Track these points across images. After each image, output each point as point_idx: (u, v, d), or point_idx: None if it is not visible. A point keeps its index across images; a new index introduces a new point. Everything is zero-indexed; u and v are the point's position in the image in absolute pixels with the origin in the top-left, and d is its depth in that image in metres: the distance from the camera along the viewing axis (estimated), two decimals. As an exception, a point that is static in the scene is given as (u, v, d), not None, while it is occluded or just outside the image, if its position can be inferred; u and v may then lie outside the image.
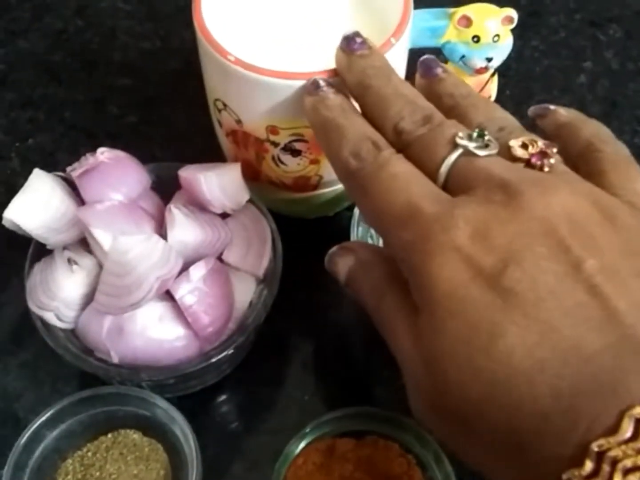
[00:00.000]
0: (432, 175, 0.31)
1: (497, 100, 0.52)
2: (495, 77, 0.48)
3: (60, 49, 0.63)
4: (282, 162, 0.44)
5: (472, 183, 0.29)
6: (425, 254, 0.28)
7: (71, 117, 0.59)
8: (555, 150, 0.30)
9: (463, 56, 0.44)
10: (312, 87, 0.36)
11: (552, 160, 0.30)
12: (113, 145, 0.45)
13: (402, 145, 0.32)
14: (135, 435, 0.43)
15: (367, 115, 0.35)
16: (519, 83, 0.59)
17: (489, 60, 0.44)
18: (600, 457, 0.22)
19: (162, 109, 0.59)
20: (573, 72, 0.61)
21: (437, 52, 0.46)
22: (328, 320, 0.49)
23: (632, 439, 0.22)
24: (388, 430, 0.41)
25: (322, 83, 0.36)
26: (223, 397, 0.46)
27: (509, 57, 0.46)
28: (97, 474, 0.41)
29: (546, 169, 0.29)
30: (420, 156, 0.31)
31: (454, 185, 0.30)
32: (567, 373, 0.24)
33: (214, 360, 0.40)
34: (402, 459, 0.41)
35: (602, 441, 0.22)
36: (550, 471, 0.23)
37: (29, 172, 0.43)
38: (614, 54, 0.62)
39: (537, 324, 0.25)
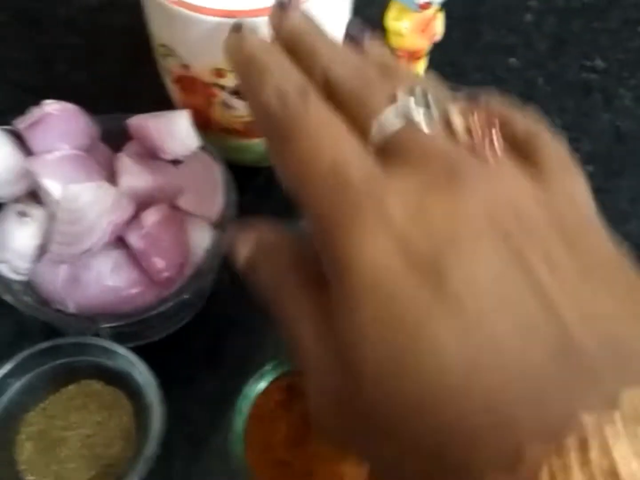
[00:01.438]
0: (363, 131, 0.27)
1: (445, 42, 0.52)
2: (442, 15, 0.49)
3: (5, 8, 0.61)
4: (231, 107, 0.44)
5: (410, 154, 0.26)
6: (349, 228, 0.24)
7: (18, 77, 0.58)
8: (497, 130, 0.27)
9: (408, -9, 0.44)
10: (235, 27, 0.32)
11: (497, 148, 0.26)
12: (61, 102, 0.45)
13: (331, 96, 0.28)
14: (97, 385, 0.43)
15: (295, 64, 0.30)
16: (465, 24, 0.59)
17: (433, -6, 0.44)
18: (536, 467, 0.20)
19: (110, 65, 0.58)
20: (519, 11, 0.61)
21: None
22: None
23: (578, 450, 0.20)
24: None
25: (245, 24, 0.32)
26: (183, 345, 0.46)
27: (454, -1, 0.46)
28: (61, 423, 0.41)
29: (490, 157, 0.26)
30: (351, 109, 0.28)
31: (388, 151, 0.26)
32: (505, 384, 0.21)
33: (170, 305, 0.40)
34: (362, 392, 0.41)
35: (539, 451, 0.20)
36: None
37: (-24, 132, 0.42)
38: (559, -9, 0.62)
39: (469, 316, 0.22)
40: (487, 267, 0.23)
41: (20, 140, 0.43)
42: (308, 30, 0.32)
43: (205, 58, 0.41)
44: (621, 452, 0.19)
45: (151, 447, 0.38)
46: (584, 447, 0.20)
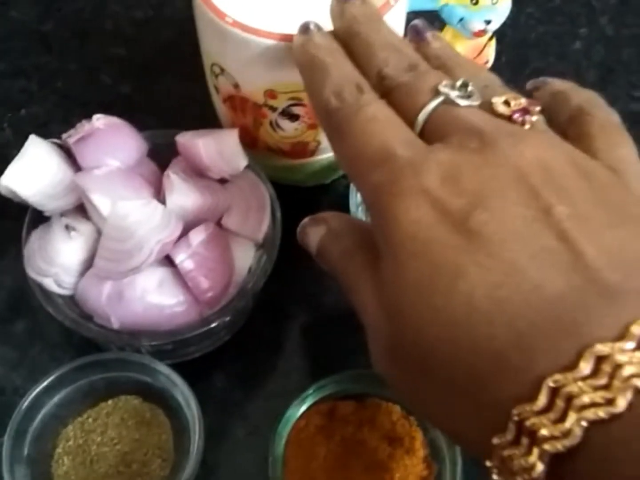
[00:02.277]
0: (411, 122, 0.30)
1: (493, 66, 0.52)
2: (493, 41, 0.48)
3: (52, 19, 0.62)
4: (280, 127, 0.44)
5: (449, 131, 0.29)
6: (393, 195, 0.27)
7: (64, 87, 0.58)
8: (538, 108, 0.29)
9: (462, 19, 0.44)
10: (303, 28, 0.36)
11: (533, 118, 0.29)
12: (106, 115, 0.45)
13: (385, 90, 0.32)
14: (135, 401, 0.43)
15: (354, 61, 0.34)
16: (515, 50, 0.59)
17: (488, 22, 0.44)
18: (554, 392, 0.22)
19: (155, 78, 0.58)
20: (568, 39, 0.61)
21: (436, 15, 0.46)
22: (326, 286, 0.48)
23: (591, 376, 0.22)
24: (389, 392, 0.41)
25: (312, 26, 0.36)
26: (222, 364, 0.46)
27: (505, 24, 0.46)
28: (99, 439, 0.41)
29: (527, 125, 0.29)
30: (401, 103, 0.31)
31: (431, 133, 0.30)
32: (528, 313, 0.23)
33: (213, 325, 0.40)
34: (403, 421, 0.41)
35: (558, 377, 0.22)
36: (503, 412, 0.23)
37: (22, 143, 0.42)
38: (608, 20, 0.62)
39: (500, 265, 0.24)
40: (511, 213, 0.25)
41: (67, 153, 0.43)
42: (366, 21, 0.35)
43: (258, 79, 0.41)
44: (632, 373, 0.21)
45: (191, 467, 0.38)
46: (597, 374, 0.22)
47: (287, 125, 0.44)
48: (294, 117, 0.43)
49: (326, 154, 0.47)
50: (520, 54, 0.59)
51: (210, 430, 0.40)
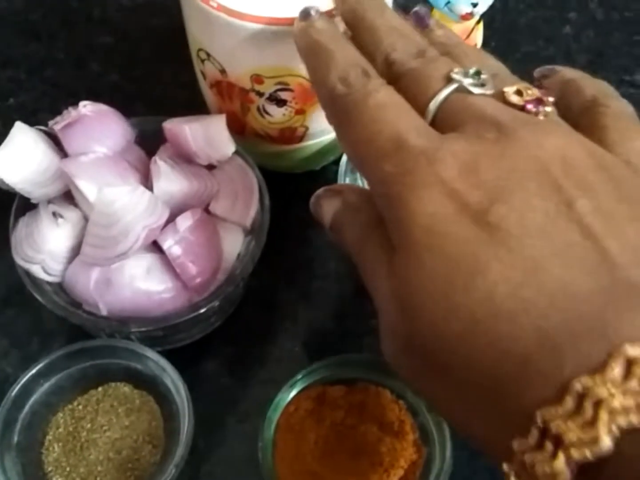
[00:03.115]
0: (421, 110, 0.29)
1: (482, 51, 0.52)
2: (481, 25, 0.48)
3: (39, 7, 0.61)
4: (267, 113, 0.44)
5: (463, 120, 0.28)
6: (407, 186, 0.26)
7: (52, 76, 0.58)
8: (551, 99, 0.29)
9: (448, 2, 0.44)
10: (303, 14, 0.35)
11: (547, 109, 0.28)
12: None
13: (393, 77, 0.31)
14: (125, 388, 0.43)
15: (358, 46, 0.33)
16: (504, 34, 0.59)
17: (475, 5, 0.44)
18: (582, 396, 0.21)
19: (143, 66, 0.58)
20: (558, 23, 0.61)
21: (423, -2, 0.45)
22: (315, 272, 0.48)
23: (621, 379, 0.20)
24: (379, 377, 0.41)
25: (313, 11, 0.35)
26: (212, 351, 0.46)
27: (494, 8, 0.46)
28: (89, 426, 0.41)
29: (541, 116, 0.28)
30: (411, 89, 0.30)
31: (443, 122, 0.29)
32: (553, 314, 0.22)
33: (202, 310, 0.40)
34: (393, 405, 0.41)
35: (586, 380, 0.21)
36: (525, 415, 0.22)
37: (11, 132, 0.42)
38: (598, 4, 0.62)
39: (523, 262, 0.23)
40: (532, 207, 0.24)
41: (55, 140, 0.43)
42: (370, 5, 0.34)
43: (244, 64, 0.40)
44: None
45: (181, 453, 0.38)
46: (628, 377, 0.20)
47: (275, 111, 0.43)
48: (281, 102, 0.43)
49: (315, 140, 0.47)
50: (509, 38, 0.59)
51: (201, 417, 0.40)
